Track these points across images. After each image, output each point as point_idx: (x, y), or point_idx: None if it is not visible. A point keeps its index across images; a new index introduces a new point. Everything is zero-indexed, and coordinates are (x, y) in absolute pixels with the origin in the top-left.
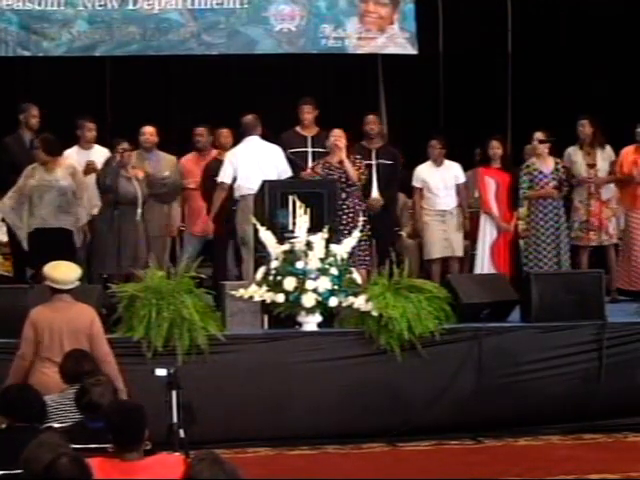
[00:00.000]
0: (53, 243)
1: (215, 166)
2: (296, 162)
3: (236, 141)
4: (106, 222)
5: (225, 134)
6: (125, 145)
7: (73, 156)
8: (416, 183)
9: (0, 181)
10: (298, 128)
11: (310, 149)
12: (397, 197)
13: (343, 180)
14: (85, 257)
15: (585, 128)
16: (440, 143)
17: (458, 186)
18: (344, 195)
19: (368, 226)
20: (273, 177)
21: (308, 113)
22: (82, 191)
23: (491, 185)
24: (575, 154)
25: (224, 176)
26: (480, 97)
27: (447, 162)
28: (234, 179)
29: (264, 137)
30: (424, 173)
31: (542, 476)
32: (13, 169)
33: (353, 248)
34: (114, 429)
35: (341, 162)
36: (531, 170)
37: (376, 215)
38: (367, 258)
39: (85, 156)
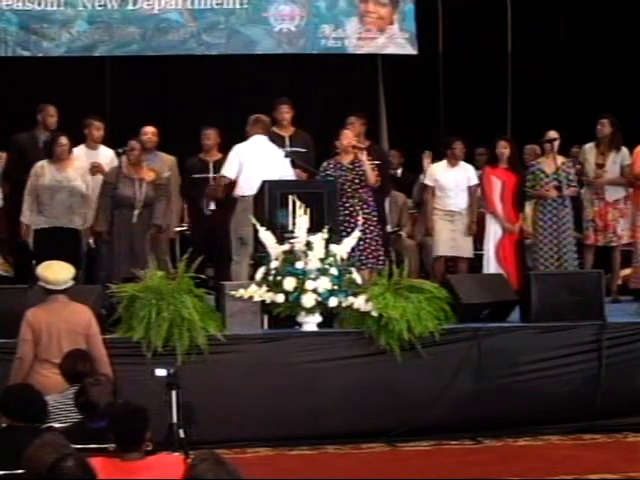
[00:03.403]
0: (62, 243)
1: (194, 165)
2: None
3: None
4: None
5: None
6: (137, 145)
7: (81, 156)
8: (428, 181)
9: (7, 177)
10: (275, 128)
11: (288, 149)
12: (386, 196)
13: (357, 181)
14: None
15: (604, 127)
16: (463, 144)
17: (470, 188)
18: (357, 195)
19: (379, 226)
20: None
21: (287, 113)
22: (90, 192)
23: (497, 185)
24: (590, 152)
25: (228, 170)
26: (480, 97)
27: (462, 163)
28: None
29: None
30: (437, 172)
31: (542, 476)
32: (23, 167)
33: (358, 248)
34: (116, 429)
35: (360, 163)
36: (535, 170)
37: None
38: (381, 258)
39: (92, 156)
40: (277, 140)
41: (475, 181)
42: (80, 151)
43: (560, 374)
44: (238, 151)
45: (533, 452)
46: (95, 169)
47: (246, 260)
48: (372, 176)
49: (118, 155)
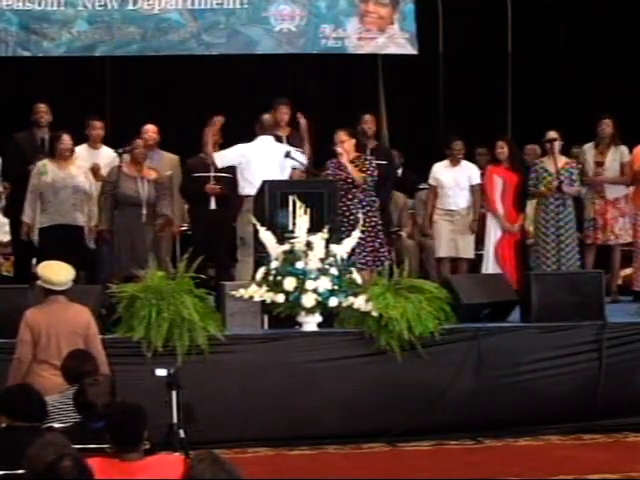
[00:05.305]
0: (66, 241)
1: (196, 164)
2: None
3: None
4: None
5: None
6: (141, 143)
7: (83, 155)
8: (431, 181)
9: (6, 174)
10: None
11: (291, 148)
12: (391, 197)
13: (349, 180)
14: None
15: (608, 127)
16: (463, 144)
17: (472, 187)
18: (350, 195)
19: (379, 226)
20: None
21: (286, 114)
22: (93, 191)
23: (498, 184)
24: (589, 152)
25: (220, 158)
26: (480, 97)
27: (463, 162)
28: (230, 171)
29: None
30: (438, 171)
31: (542, 476)
32: (22, 164)
33: (356, 248)
34: (113, 429)
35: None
36: (538, 168)
37: None
38: (381, 259)
39: (94, 156)
40: (276, 139)
41: (477, 180)
42: (82, 151)
43: (560, 374)
44: (240, 149)
45: (533, 452)
46: (95, 170)
47: (250, 260)
48: (357, 177)
49: (119, 155)
